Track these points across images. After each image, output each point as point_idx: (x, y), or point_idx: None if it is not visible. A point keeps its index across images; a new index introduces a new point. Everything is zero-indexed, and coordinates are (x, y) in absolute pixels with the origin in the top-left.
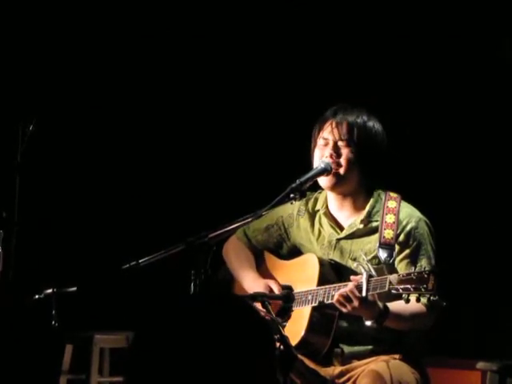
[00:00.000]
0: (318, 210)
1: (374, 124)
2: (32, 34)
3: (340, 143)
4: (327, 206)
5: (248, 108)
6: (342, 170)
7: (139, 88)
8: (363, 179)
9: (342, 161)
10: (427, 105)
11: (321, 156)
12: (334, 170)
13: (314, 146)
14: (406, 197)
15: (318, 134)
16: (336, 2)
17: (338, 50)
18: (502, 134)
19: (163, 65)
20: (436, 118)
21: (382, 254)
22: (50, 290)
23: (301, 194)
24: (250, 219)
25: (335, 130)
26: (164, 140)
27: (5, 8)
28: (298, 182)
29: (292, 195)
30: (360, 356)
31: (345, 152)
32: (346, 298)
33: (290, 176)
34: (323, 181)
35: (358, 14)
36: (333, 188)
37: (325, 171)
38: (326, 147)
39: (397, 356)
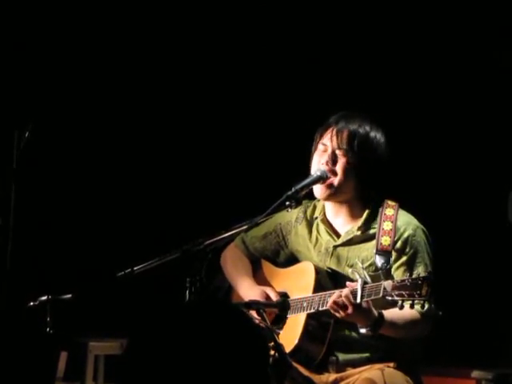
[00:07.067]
0: (316, 217)
1: (376, 135)
2: (28, 40)
3: (338, 152)
4: (325, 213)
5: (245, 115)
6: (336, 181)
7: (133, 97)
8: (360, 188)
9: (337, 169)
10: (427, 113)
11: (318, 161)
12: (327, 180)
13: (314, 151)
14: (404, 206)
15: (319, 139)
16: (337, 4)
17: (339, 57)
18: (501, 142)
19: (160, 73)
20: (435, 126)
21: (379, 261)
22: (44, 297)
23: (296, 201)
24: (245, 227)
25: (334, 138)
26: (159, 147)
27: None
28: (293, 189)
29: (288, 203)
30: (355, 364)
31: (341, 161)
32: (341, 304)
33: (286, 183)
34: (317, 192)
35: (359, 15)
36: (327, 199)
37: (320, 179)
38: (324, 153)
39: (391, 364)
